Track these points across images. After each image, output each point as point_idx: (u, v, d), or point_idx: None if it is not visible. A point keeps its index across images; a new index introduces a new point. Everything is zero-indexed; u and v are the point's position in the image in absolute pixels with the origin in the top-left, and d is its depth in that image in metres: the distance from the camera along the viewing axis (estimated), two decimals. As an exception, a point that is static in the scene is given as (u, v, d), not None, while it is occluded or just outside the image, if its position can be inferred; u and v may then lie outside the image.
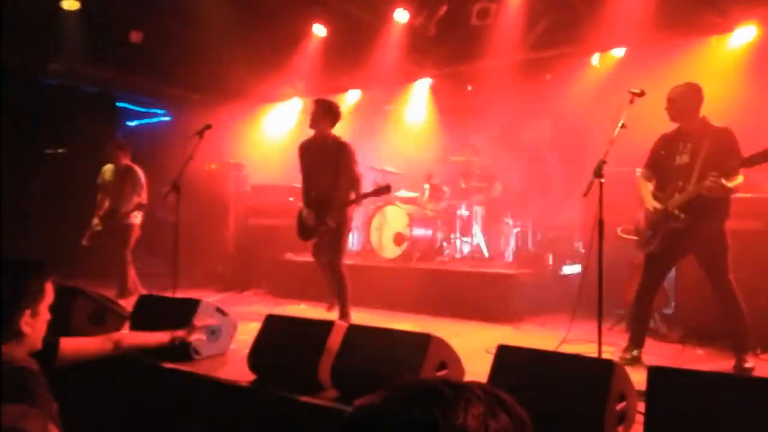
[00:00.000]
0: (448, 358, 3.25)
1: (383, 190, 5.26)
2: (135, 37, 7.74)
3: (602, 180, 3.41)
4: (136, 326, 4.18)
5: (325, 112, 5.47)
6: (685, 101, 4.11)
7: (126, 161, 6.80)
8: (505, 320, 5.76)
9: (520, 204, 7.16)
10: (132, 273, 6.69)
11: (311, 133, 5.59)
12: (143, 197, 6.68)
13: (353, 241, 8.90)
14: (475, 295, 6.11)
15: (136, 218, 6.71)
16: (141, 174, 6.76)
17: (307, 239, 5.62)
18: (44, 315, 1.90)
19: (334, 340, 3.45)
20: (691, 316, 4.94)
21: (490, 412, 0.83)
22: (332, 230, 5.34)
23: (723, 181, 3.74)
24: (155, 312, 4.30)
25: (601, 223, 3.37)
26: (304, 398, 3.20)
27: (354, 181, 5.35)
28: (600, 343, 3.38)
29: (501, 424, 0.83)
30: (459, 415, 0.81)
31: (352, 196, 5.33)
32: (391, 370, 3.02)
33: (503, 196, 7.49)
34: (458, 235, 7.30)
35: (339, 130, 9.31)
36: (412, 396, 0.85)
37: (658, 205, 4.12)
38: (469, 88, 8.59)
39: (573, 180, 6.49)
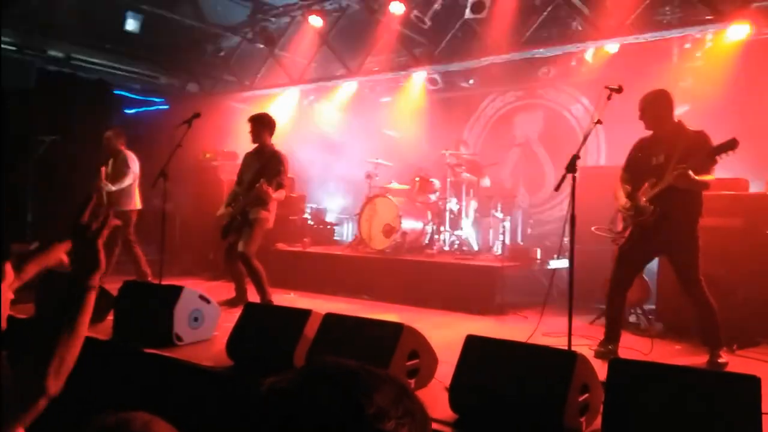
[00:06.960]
0: (420, 347, 3.31)
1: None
2: (131, 25, 7.81)
3: (575, 175, 3.44)
4: (119, 312, 4.25)
5: (262, 126, 5.75)
6: (657, 108, 4.16)
7: (120, 147, 6.96)
8: (489, 312, 5.82)
9: (510, 198, 7.19)
10: (141, 255, 6.84)
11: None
12: (130, 180, 6.74)
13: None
14: (460, 287, 6.16)
15: (129, 204, 6.81)
16: (132, 158, 6.89)
17: (224, 237, 5.73)
18: (6, 295, 1.94)
19: (311, 328, 3.52)
20: (671, 311, 4.99)
21: (398, 396, 0.89)
22: (244, 223, 5.52)
23: (691, 172, 3.79)
24: (139, 298, 4.38)
25: (572, 219, 3.40)
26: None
27: (276, 186, 5.44)
28: (570, 335, 3.42)
29: (408, 408, 0.88)
30: (376, 398, 0.85)
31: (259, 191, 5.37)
32: (364, 358, 3.07)
33: (493, 190, 7.51)
34: (447, 227, 7.34)
35: (334, 122, 9.31)
36: (330, 378, 0.88)
37: (628, 202, 4.18)
38: (471, 82, 8.63)
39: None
